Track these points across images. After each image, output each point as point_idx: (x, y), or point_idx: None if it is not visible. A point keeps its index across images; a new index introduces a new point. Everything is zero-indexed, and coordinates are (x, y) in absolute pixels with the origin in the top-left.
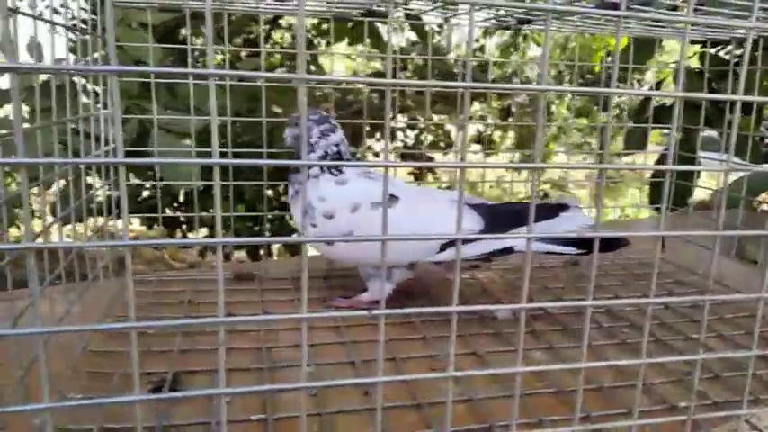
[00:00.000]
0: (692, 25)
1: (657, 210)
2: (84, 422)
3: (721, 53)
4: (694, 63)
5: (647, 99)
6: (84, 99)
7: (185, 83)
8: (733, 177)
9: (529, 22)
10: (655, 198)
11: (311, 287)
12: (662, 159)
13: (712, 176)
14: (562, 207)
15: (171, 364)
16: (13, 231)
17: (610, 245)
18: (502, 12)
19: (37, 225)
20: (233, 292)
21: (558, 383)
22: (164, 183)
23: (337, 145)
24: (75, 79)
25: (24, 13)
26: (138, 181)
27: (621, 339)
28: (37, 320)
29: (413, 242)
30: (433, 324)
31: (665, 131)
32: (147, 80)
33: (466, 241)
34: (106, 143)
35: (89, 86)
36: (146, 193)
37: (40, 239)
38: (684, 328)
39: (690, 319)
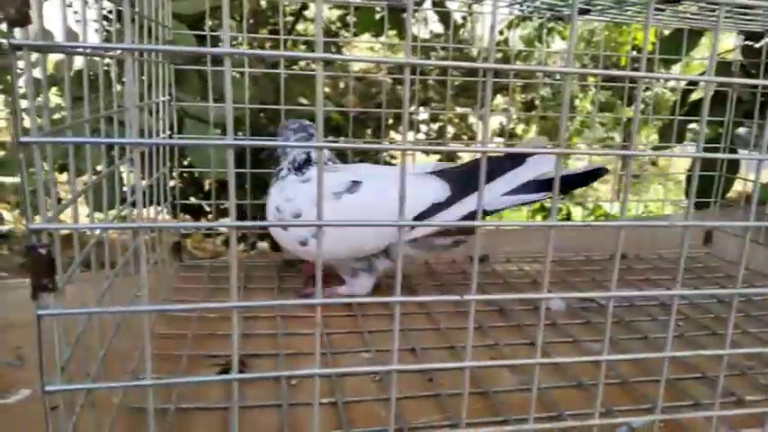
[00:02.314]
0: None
1: (696, 205)
2: (157, 403)
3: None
4: (731, 57)
5: (687, 92)
6: (118, 88)
7: (212, 70)
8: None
9: (587, 12)
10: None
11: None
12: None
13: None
14: (527, 155)
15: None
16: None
17: (586, 179)
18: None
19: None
20: (284, 278)
21: (622, 374)
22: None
23: (307, 152)
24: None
25: None
26: (165, 170)
27: (679, 333)
28: (144, 298)
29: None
30: (487, 314)
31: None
32: (180, 67)
33: (437, 210)
34: (144, 133)
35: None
36: (171, 183)
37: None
38: (740, 322)
39: (745, 314)
